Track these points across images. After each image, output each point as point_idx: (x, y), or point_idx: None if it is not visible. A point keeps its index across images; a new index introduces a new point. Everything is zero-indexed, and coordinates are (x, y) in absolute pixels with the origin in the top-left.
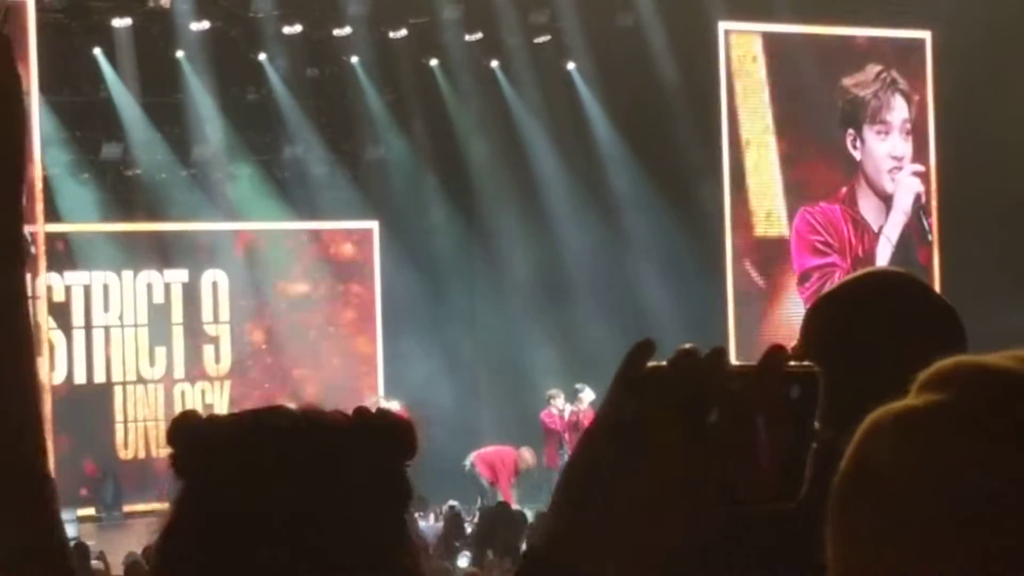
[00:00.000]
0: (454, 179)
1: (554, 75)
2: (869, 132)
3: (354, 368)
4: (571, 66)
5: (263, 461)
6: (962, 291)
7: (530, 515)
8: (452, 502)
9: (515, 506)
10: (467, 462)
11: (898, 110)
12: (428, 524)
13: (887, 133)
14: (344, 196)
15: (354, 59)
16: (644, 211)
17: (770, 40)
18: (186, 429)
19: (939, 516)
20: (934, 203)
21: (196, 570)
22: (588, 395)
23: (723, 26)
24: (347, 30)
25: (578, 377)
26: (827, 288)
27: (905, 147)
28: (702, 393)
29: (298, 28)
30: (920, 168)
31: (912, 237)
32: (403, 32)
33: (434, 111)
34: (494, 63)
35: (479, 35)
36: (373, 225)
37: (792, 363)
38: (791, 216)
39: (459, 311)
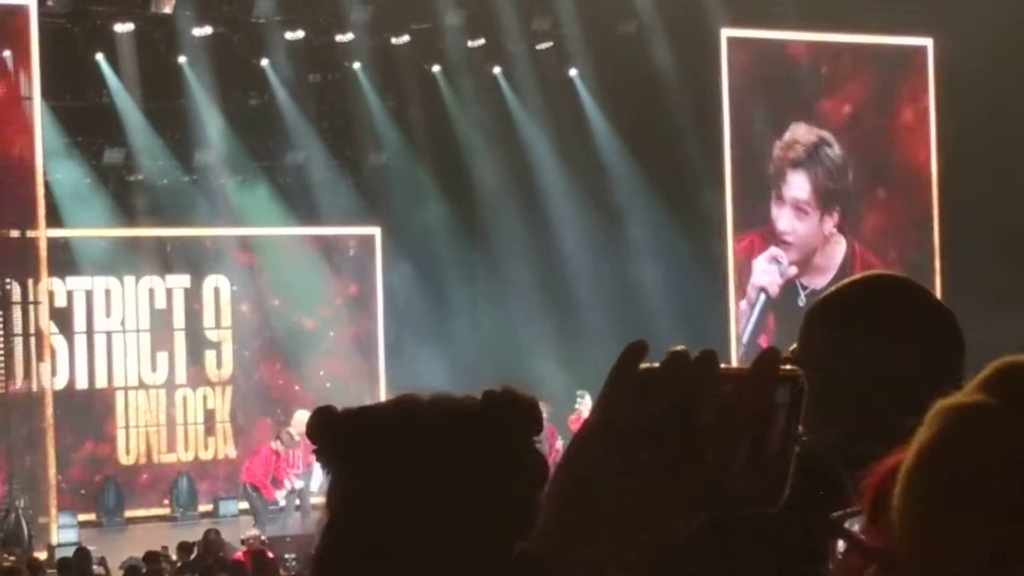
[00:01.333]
0: (456, 185)
1: (556, 81)
2: (773, 199)
3: (356, 373)
4: (573, 72)
5: (412, 446)
6: (965, 297)
7: None
8: None
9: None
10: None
11: (793, 187)
12: None
13: (782, 204)
14: (346, 201)
15: (356, 65)
16: (646, 216)
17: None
18: (332, 422)
19: None
20: (935, 211)
21: (363, 554)
22: (587, 404)
23: (725, 33)
24: (349, 36)
25: (579, 382)
26: (825, 292)
27: (795, 224)
28: (693, 395)
29: (300, 34)
30: (781, 255)
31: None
32: (405, 38)
33: (436, 117)
34: (496, 69)
35: (481, 41)
36: (375, 231)
37: (781, 367)
38: None
39: (461, 316)
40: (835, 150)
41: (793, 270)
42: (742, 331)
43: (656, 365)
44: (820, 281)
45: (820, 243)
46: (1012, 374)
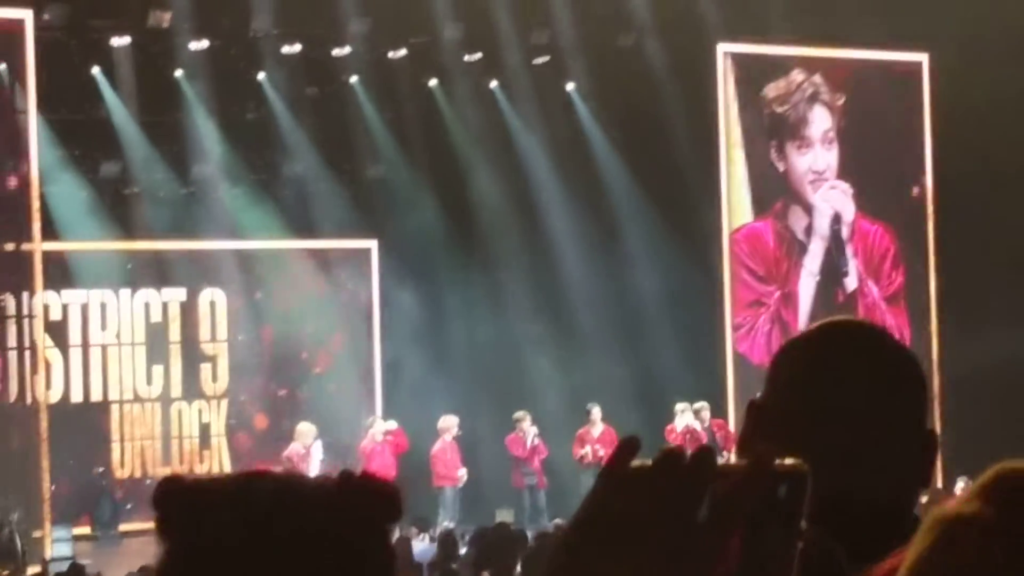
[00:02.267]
0: (453, 198)
1: (553, 95)
2: (791, 147)
3: (352, 387)
4: (570, 86)
5: (248, 527)
6: (960, 310)
7: (531, 535)
8: (448, 524)
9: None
10: None
11: (818, 122)
12: (423, 547)
13: (808, 147)
14: (343, 214)
15: (353, 78)
16: (642, 228)
17: (739, 59)
18: (172, 493)
19: None
20: (931, 224)
21: None
22: (597, 413)
23: (722, 48)
24: (346, 49)
25: (576, 398)
26: (793, 335)
27: (827, 158)
28: (688, 494)
29: (297, 47)
30: (842, 184)
31: (834, 272)
32: (403, 52)
33: (433, 131)
34: (494, 83)
35: (479, 55)
36: (372, 243)
37: (780, 461)
38: None
39: (458, 329)
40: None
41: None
42: (841, 264)
43: (649, 462)
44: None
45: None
46: (1010, 482)
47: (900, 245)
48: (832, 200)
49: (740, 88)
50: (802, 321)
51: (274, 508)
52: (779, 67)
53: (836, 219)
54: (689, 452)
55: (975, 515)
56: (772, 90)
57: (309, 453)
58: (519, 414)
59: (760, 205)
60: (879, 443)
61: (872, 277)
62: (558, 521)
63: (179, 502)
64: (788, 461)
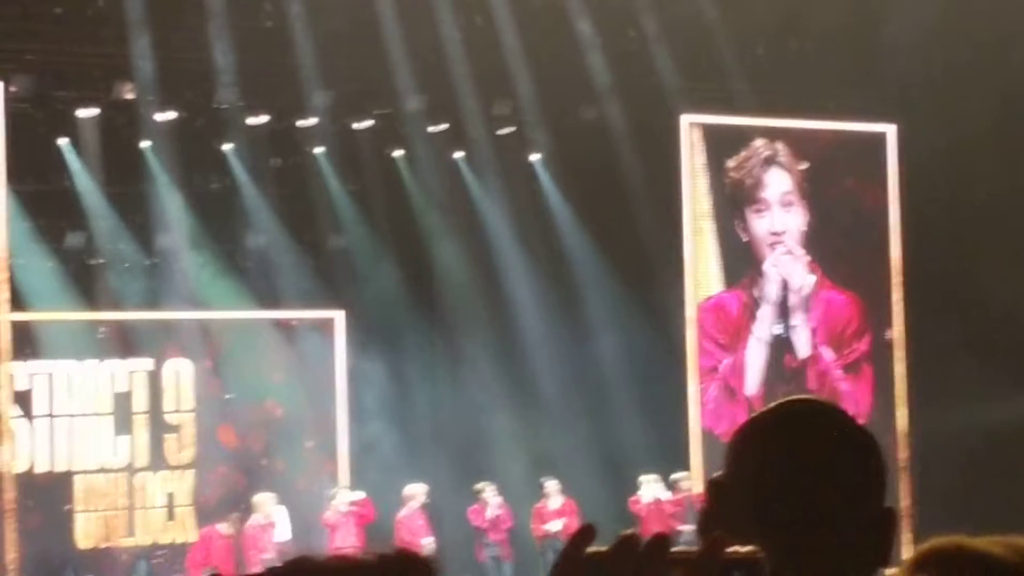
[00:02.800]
0: (417, 268)
1: (517, 166)
2: (749, 212)
3: (318, 457)
4: (534, 157)
5: None
6: (928, 379)
7: None
8: None
9: None
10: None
11: (775, 184)
12: None
13: (766, 209)
14: (307, 285)
15: (318, 149)
16: (606, 301)
17: (709, 128)
18: None
19: None
20: (897, 295)
21: None
22: (552, 486)
23: (685, 119)
24: (311, 121)
25: (539, 463)
26: (752, 415)
27: (785, 220)
28: None
29: (262, 118)
30: (797, 249)
31: (781, 338)
32: (367, 123)
33: (397, 201)
34: (458, 154)
35: (443, 126)
36: (337, 314)
37: (733, 549)
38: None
39: (422, 399)
40: (785, 147)
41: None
42: (783, 331)
43: (604, 550)
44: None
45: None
46: (942, 556)
47: (867, 314)
48: (781, 265)
49: (709, 159)
50: (749, 388)
51: None
52: (744, 137)
53: (784, 285)
54: (644, 538)
55: None
56: (733, 160)
57: (272, 523)
58: (479, 485)
59: (731, 277)
60: (838, 523)
61: (831, 344)
62: None
63: None
64: (742, 549)
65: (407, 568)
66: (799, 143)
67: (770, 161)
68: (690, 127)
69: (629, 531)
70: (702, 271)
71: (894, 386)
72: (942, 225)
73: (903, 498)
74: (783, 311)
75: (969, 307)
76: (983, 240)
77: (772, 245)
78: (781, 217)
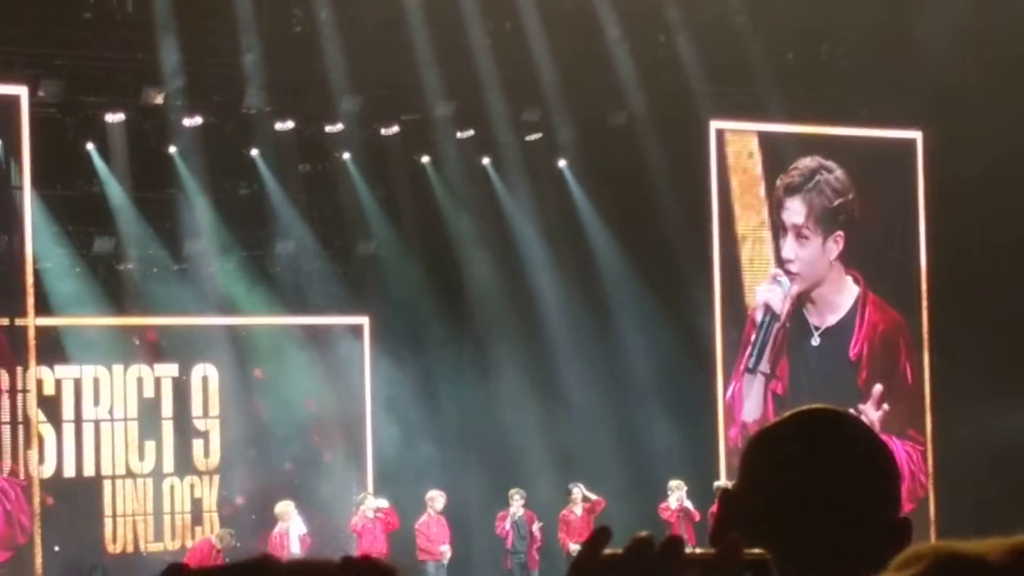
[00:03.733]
0: (445, 274)
1: (545, 172)
2: (779, 229)
3: (344, 462)
4: (562, 163)
5: None
6: (953, 392)
7: None
8: None
9: None
10: None
11: (791, 212)
12: None
13: (784, 234)
14: (335, 291)
15: (346, 155)
16: (634, 304)
17: (765, 137)
18: None
19: None
20: (924, 303)
21: None
22: (578, 494)
23: (714, 125)
24: (339, 126)
25: (567, 470)
26: (766, 424)
27: (797, 250)
28: None
29: (290, 124)
30: (785, 280)
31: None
32: (395, 129)
33: (425, 207)
34: (486, 160)
35: (471, 132)
36: (364, 320)
37: (746, 550)
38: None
39: (449, 405)
40: (836, 174)
41: (795, 288)
42: (748, 356)
43: (619, 552)
44: (832, 318)
45: (825, 272)
46: (949, 568)
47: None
48: (766, 293)
49: (742, 167)
50: (746, 415)
51: None
52: (787, 148)
53: (767, 309)
54: (658, 541)
55: None
56: (782, 176)
57: (290, 531)
58: (512, 491)
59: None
60: (852, 533)
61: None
62: None
63: None
64: (753, 550)
65: (368, 574)
66: (835, 154)
67: (792, 190)
68: (716, 133)
69: (644, 533)
70: (761, 278)
71: (923, 395)
72: (970, 233)
73: (930, 506)
74: (763, 339)
75: (997, 316)
76: (1013, 249)
77: (784, 267)
78: (792, 246)
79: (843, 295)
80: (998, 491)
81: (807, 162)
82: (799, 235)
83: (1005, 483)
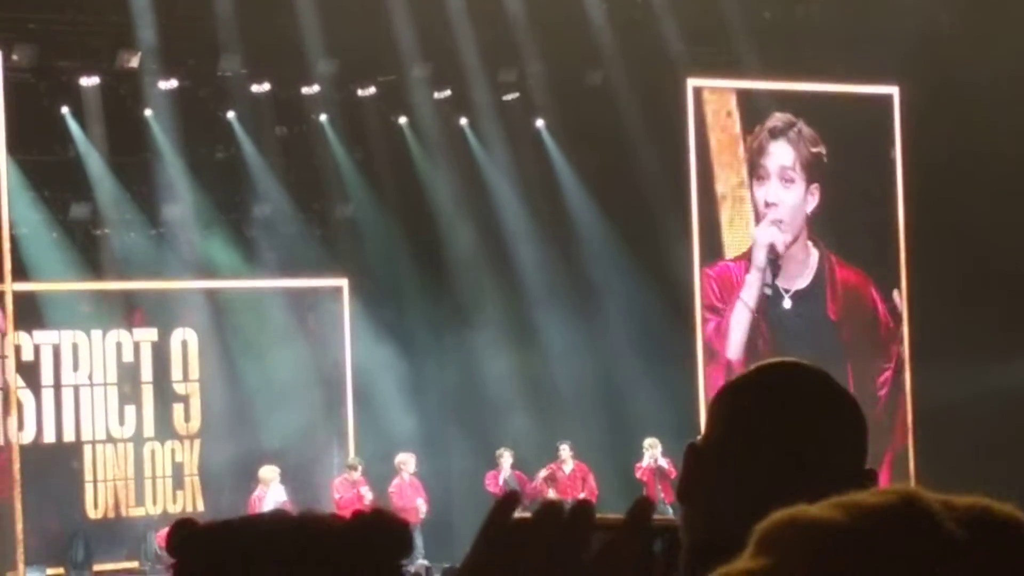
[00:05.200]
0: (423, 236)
1: (523, 133)
2: (754, 180)
3: (324, 427)
4: (540, 123)
5: (275, 567)
6: (931, 348)
7: None
8: (422, 560)
9: None
10: (152, 541)
11: (776, 156)
12: None
13: (764, 179)
14: (313, 253)
15: (323, 117)
16: (613, 266)
17: (743, 96)
18: (191, 538)
19: None
20: (903, 259)
21: None
22: (566, 451)
23: (691, 83)
24: (315, 88)
25: (551, 438)
26: (733, 377)
27: (781, 194)
28: (565, 546)
29: (266, 87)
30: (778, 217)
31: (765, 302)
32: (371, 90)
33: (403, 169)
34: (463, 120)
35: (447, 93)
36: (342, 282)
37: (657, 516)
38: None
39: (429, 366)
40: (807, 129)
41: (789, 237)
42: (754, 295)
43: (527, 517)
44: (801, 281)
45: (801, 226)
46: (780, 534)
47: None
48: (767, 234)
49: (743, 126)
50: (731, 352)
51: (298, 552)
52: (764, 107)
53: (771, 249)
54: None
55: (758, 571)
56: (764, 124)
57: (267, 497)
58: (499, 451)
59: (741, 245)
60: (818, 485)
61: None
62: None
63: (199, 548)
64: (663, 516)
65: (381, 537)
66: (811, 111)
67: (776, 133)
68: (693, 91)
69: (552, 497)
70: (710, 236)
71: (901, 350)
72: (946, 187)
73: (910, 462)
74: (772, 273)
75: (975, 270)
76: (989, 204)
77: (764, 215)
78: (776, 190)
79: (810, 256)
80: (980, 444)
81: (782, 115)
82: (785, 178)
83: (982, 437)
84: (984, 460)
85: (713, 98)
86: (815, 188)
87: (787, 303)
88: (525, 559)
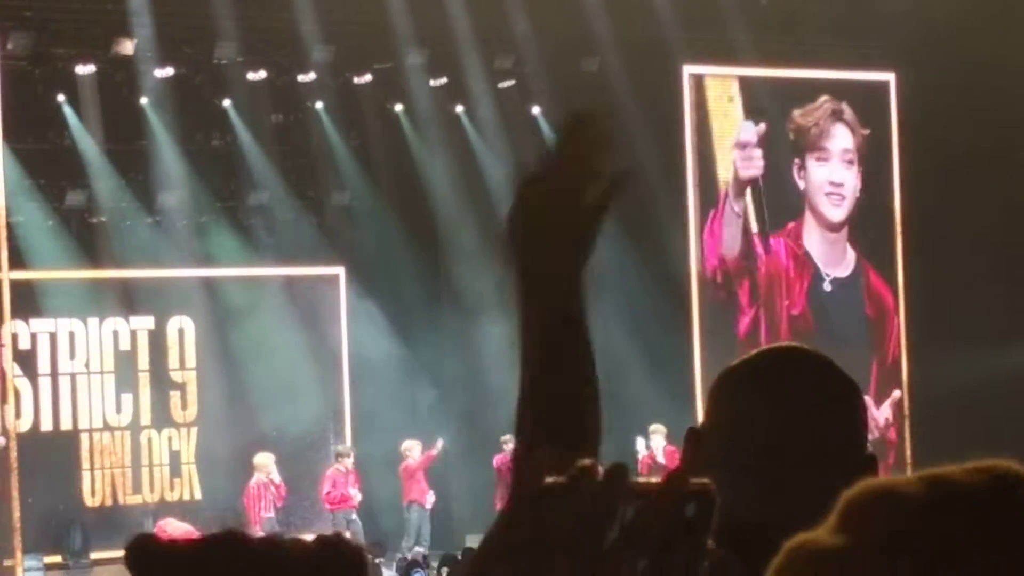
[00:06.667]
0: (420, 224)
1: (519, 120)
2: (810, 159)
3: (321, 415)
4: (536, 110)
5: None
6: (928, 334)
7: None
8: (419, 548)
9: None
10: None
11: (838, 138)
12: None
13: (827, 160)
14: (310, 241)
15: (319, 105)
16: (609, 254)
17: (744, 81)
18: (150, 557)
19: None
20: (899, 244)
21: None
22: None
23: (687, 70)
24: (311, 76)
25: None
26: (732, 363)
27: (846, 175)
28: (599, 512)
29: (262, 74)
30: (843, 194)
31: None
32: (367, 77)
33: (399, 156)
34: (459, 108)
35: (444, 80)
36: (339, 270)
37: (692, 481)
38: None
39: (425, 355)
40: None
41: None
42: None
43: (562, 480)
44: (841, 271)
45: (852, 210)
46: (861, 508)
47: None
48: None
49: (722, 111)
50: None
51: (254, 571)
52: (765, 95)
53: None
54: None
55: (829, 549)
56: (800, 110)
57: (272, 482)
58: (506, 437)
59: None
60: (818, 470)
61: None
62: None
63: (157, 567)
64: (697, 481)
65: (339, 562)
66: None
67: (838, 116)
68: (689, 77)
69: (587, 460)
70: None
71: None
72: (943, 172)
73: (907, 450)
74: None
75: (971, 257)
76: (986, 190)
77: (828, 195)
78: (840, 170)
79: (848, 251)
80: (976, 426)
81: (825, 97)
82: (847, 160)
83: (979, 423)
84: (981, 446)
85: (715, 84)
86: (859, 172)
87: (827, 286)
88: (555, 523)
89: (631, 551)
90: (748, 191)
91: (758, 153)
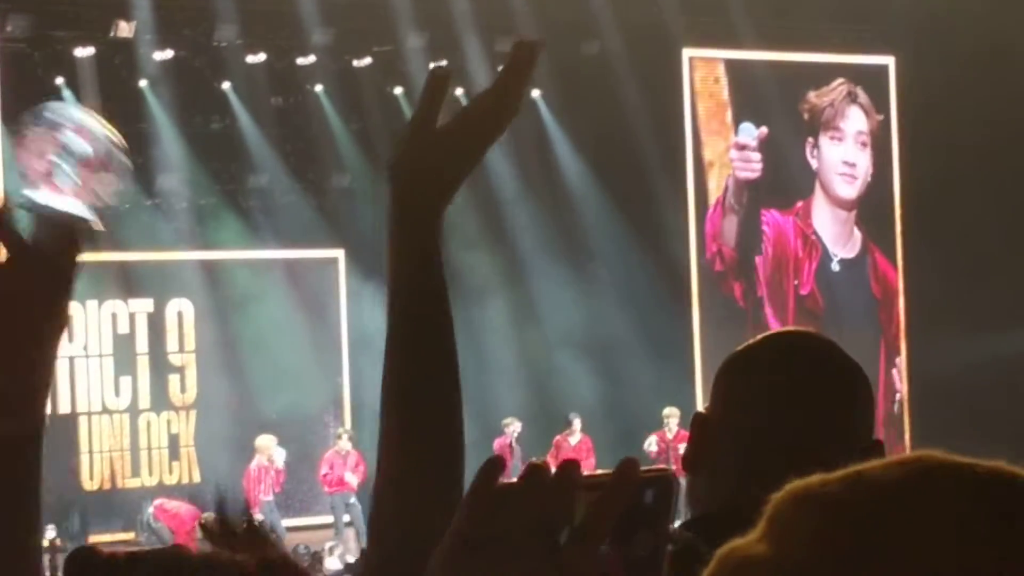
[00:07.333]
0: None
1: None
2: (824, 139)
3: (321, 399)
4: (536, 94)
5: None
6: (927, 319)
7: None
8: None
9: None
10: (148, 512)
11: (853, 120)
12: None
13: (840, 140)
14: (309, 224)
15: (318, 87)
16: (610, 236)
17: (732, 64)
18: (93, 567)
19: None
20: (898, 227)
21: None
22: (578, 423)
23: (687, 53)
24: (311, 59)
25: (544, 408)
26: (739, 347)
27: (859, 156)
28: (555, 507)
29: (262, 57)
30: (855, 175)
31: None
32: (367, 60)
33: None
34: (459, 91)
35: (444, 63)
36: (339, 253)
37: (645, 468)
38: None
39: None
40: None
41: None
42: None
43: (513, 481)
44: (847, 252)
45: (862, 193)
46: (784, 512)
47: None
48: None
49: (708, 92)
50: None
51: None
52: (761, 78)
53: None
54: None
55: (752, 558)
56: (815, 91)
57: (273, 465)
58: (507, 420)
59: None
60: (826, 456)
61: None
62: None
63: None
64: (654, 467)
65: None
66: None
67: (853, 98)
68: (689, 61)
69: (538, 459)
70: (704, 204)
71: (897, 320)
72: (941, 157)
73: (906, 434)
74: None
75: (968, 240)
76: (984, 175)
77: (842, 174)
78: (855, 151)
79: (855, 232)
80: (974, 413)
81: (840, 80)
82: (861, 142)
83: (980, 405)
84: (979, 430)
85: (702, 65)
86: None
87: (835, 266)
88: (513, 523)
89: (590, 540)
90: (745, 191)
91: (756, 156)
